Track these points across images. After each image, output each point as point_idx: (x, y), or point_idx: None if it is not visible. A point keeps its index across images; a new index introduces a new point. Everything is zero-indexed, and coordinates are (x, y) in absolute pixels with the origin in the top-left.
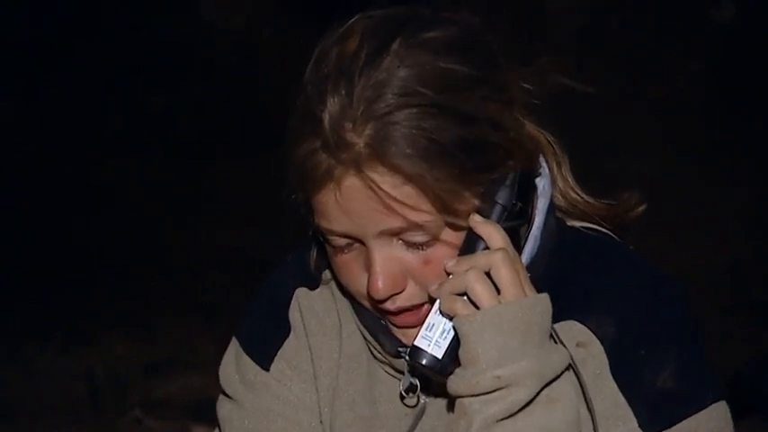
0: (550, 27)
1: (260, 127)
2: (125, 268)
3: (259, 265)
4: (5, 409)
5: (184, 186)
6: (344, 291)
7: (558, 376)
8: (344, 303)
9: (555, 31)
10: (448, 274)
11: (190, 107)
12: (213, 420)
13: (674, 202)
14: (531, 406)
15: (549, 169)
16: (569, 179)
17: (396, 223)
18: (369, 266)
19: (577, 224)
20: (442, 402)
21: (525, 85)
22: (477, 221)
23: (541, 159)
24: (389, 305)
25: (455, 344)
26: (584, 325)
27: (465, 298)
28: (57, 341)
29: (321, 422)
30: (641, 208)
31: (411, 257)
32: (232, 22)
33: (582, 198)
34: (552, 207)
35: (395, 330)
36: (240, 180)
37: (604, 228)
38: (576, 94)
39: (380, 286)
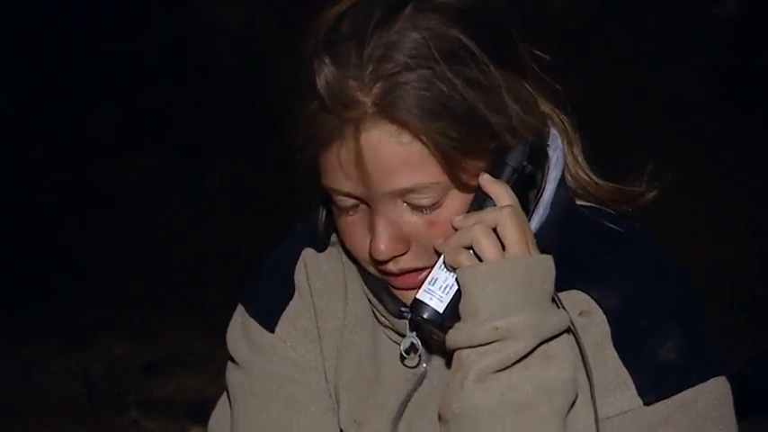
0: (550, 27)
1: (260, 127)
2: (124, 268)
3: (258, 265)
4: (3, 409)
5: (184, 186)
6: (350, 255)
7: (557, 336)
8: (351, 264)
9: (555, 31)
10: (455, 231)
11: (189, 107)
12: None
13: (674, 201)
14: (528, 360)
15: (562, 147)
16: (580, 160)
17: (401, 183)
18: (372, 228)
19: (585, 203)
20: (442, 369)
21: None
22: (486, 180)
23: (555, 133)
24: (392, 267)
25: (457, 299)
26: (588, 295)
27: (470, 252)
28: (54, 341)
29: (327, 382)
30: (652, 194)
31: (416, 220)
32: (232, 22)
33: (592, 179)
34: (564, 180)
35: (397, 291)
36: (240, 180)
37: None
38: (576, 93)
39: (383, 248)
